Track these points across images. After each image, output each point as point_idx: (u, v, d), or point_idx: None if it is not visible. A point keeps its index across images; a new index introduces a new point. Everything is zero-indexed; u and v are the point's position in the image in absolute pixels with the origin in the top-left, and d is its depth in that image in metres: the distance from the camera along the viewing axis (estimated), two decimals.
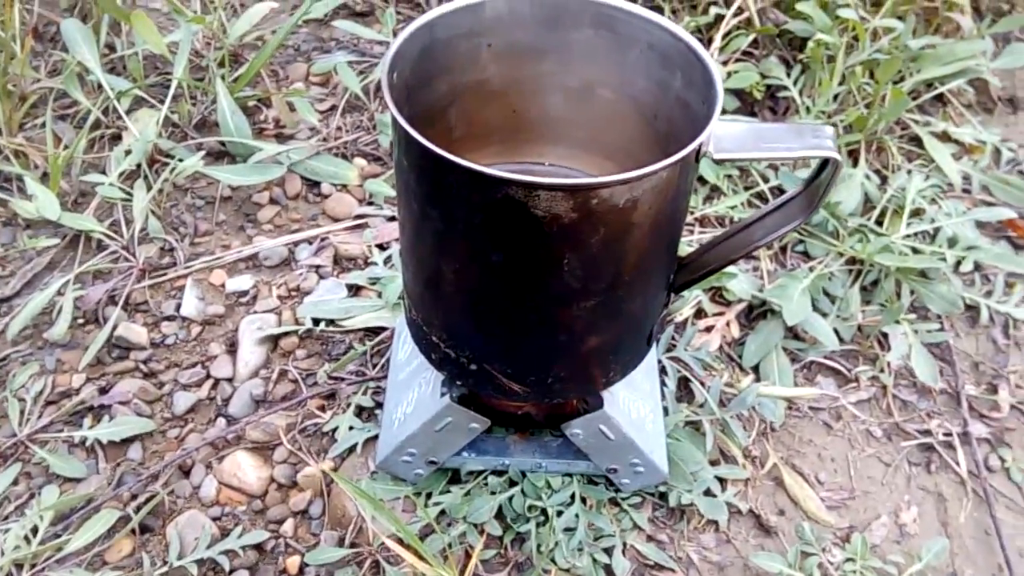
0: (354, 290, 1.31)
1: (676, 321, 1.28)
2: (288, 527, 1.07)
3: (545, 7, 0.88)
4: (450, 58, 0.88)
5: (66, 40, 1.53)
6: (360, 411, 1.17)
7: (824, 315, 1.30)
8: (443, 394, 0.97)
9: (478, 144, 0.98)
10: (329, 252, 1.37)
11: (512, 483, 1.08)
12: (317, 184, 1.48)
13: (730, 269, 1.29)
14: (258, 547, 1.06)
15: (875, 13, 1.64)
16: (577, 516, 1.05)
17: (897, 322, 1.30)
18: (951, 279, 1.36)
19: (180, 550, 1.04)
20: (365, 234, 1.39)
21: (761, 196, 1.48)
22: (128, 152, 1.42)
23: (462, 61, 0.90)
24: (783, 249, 1.43)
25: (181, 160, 1.42)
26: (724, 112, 1.32)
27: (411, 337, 0.96)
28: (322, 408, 1.18)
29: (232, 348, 1.25)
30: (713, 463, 1.14)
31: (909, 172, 1.53)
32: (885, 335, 1.31)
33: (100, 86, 1.50)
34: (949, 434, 1.22)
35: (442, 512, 1.06)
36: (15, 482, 1.10)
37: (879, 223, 1.44)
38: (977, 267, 1.42)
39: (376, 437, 1.11)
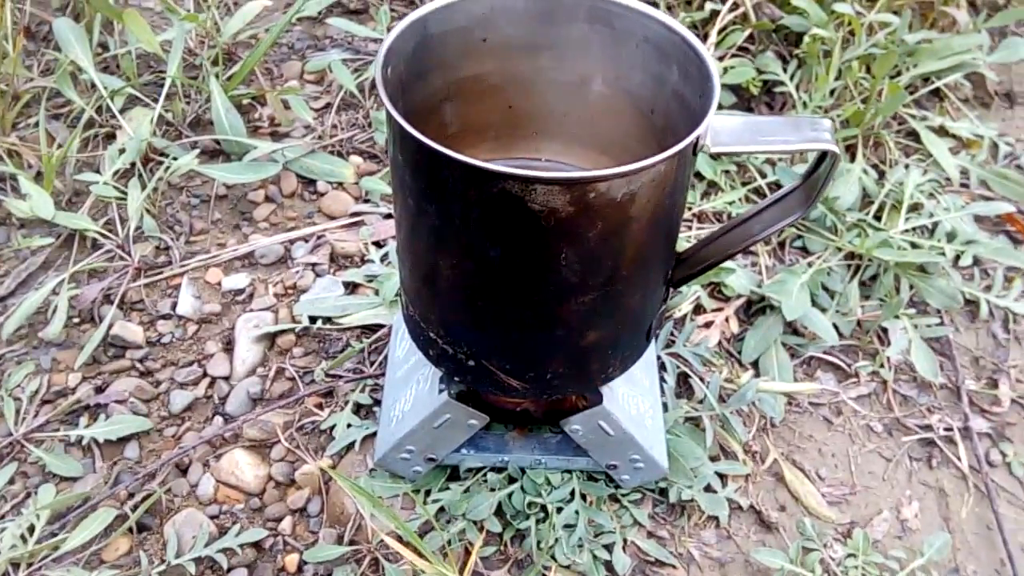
0: (351, 288, 1.31)
1: (675, 317, 1.28)
2: (286, 525, 1.07)
3: (540, 1, 0.87)
4: (444, 53, 0.88)
5: (59, 39, 1.52)
6: (358, 408, 1.16)
7: (823, 310, 1.30)
8: (441, 391, 0.97)
9: (473, 140, 0.97)
10: (325, 250, 1.36)
11: (511, 480, 1.07)
12: (313, 182, 1.47)
13: (728, 264, 1.29)
14: (256, 545, 1.05)
15: (871, 8, 1.64)
16: (577, 512, 1.05)
17: (896, 317, 1.30)
18: (950, 273, 1.36)
19: (178, 548, 1.03)
20: (361, 232, 1.38)
21: (759, 192, 1.48)
22: (122, 151, 1.41)
23: (457, 56, 0.90)
24: (781, 244, 1.42)
25: (175, 159, 1.41)
26: (720, 108, 1.31)
27: (408, 334, 0.95)
28: (320, 406, 1.17)
29: (229, 346, 1.24)
30: (713, 459, 1.13)
31: (907, 167, 1.53)
32: (885, 330, 1.31)
33: (93, 85, 1.49)
34: (950, 429, 1.22)
35: (441, 509, 1.05)
36: (11, 481, 1.09)
37: (877, 218, 1.44)
38: (976, 261, 1.42)
39: (374, 434, 1.11)
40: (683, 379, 1.22)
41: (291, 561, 1.04)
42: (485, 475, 1.08)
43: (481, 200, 0.71)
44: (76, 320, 1.26)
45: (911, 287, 1.34)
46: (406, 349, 1.10)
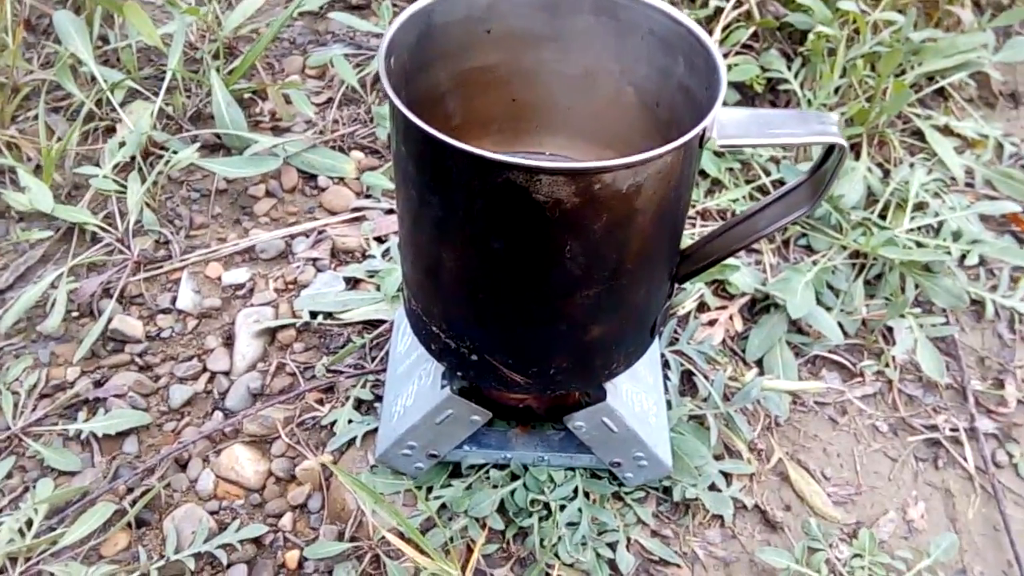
0: (352, 283, 1.30)
1: (678, 315, 1.27)
2: (287, 521, 1.06)
3: None
4: (448, 44, 0.87)
5: (59, 32, 1.51)
6: (359, 404, 1.15)
7: (828, 309, 1.29)
8: (443, 386, 0.96)
9: (477, 133, 0.96)
10: (326, 245, 1.35)
11: (514, 477, 1.06)
12: (314, 177, 1.46)
13: (733, 262, 1.28)
14: (256, 541, 1.04)
15: (875, 6, 1.63)
16: (580, 510, 1.04)
17: (902, 316, 1.29)
18: (956, 273, 1.35)
19: (177, 544, 1.02)
20: (363, 227, 1.37)
21: (762, 189, 1.47)
22: (122, 144, 1.40)
23: (460, 47, 0.89)
24: (786, 243, 1.41)
25: (176, 152, 1.40)
26: (725, 104, 1.30)
27: (411, 328, 0.94)
28: (320, 401, 1.16)
29: (229, 341, 1.23)
30: (717, 457, 1.12)
31: (911, 165, 1.52)
32: (890, 329, 1.30)
33: (93, 78, 1.48)
34: (956, 429, 1.21)
35: (443, 506, 1.04)
36: (9, 475, 1.08)
37: (882, 216, 1.43)
38: (982, 261, 1.41)
39: (375, 430, 1.10)
40: (687, 377, 1.21)
41: (291, 558, 1.03)
42: (487, 472, 1.07)
43: (485, 191, 0.70)
44: (75, 314, 1.25)
45: (916, 286, 1.33)
46: (408, 344, 1.09)
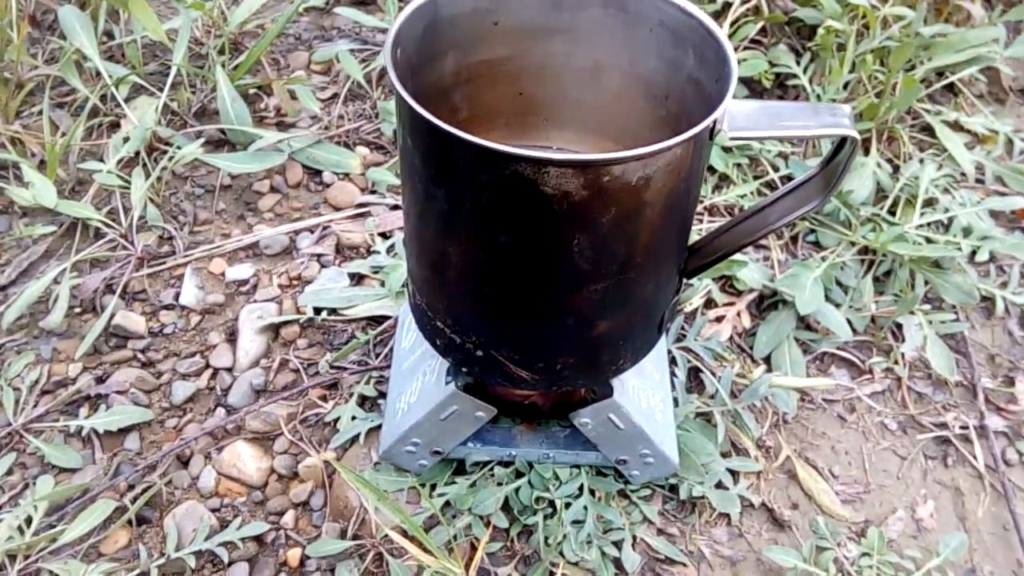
0: (356, 279, 1.29)
1: (685, 311, 1.26)
2: (289, 519, 1.05)
3: None
4: (455, 37, 0.86)
5: (64, 27, 1.50)
6: (363, 401, 1.14)
7: (837, 305, 1.28)
8: (448, 382, 0.95)
9: (483, 127, 0.95)
10: (331, 241, 1.34)
11: (519, 474, 1.05)
12: (319, 173, 1.45)
13: (740, 257, 1.27)
14: (258, 539, 1.03)
15: (885, 1, 1.61)
16: (586, 508, 1.03)
17: (911, 313, 1.28)
18: (966, 269, 1.34)
19: (178, 541, 1.01)
20: (368, 223, 1.36)
21: (771, 185, 1.46)
22: (126, 139, 1.40)
23: (467, 39, 0.88)
24: (794, 239, 1.40)
25: (180, 148, 1.39)
26: (734, 98, 1.29)
27: (415, 323, 0.93)
28: (324, 398, 1.15)
29: (232, 337, 1.22)
30: (724, 455, 1.11)
31: (921, 161, 1.51)
32: (899, 326, 1.29)
33: (98, 73, 1.47)
34: (966, 427, 1.20)
35: (447, 503, 1.03)
36: (9, 472, 1.07)
37: (892, 212, 1.42)
38: (992, 257, 1.40)
39: (379, 427, 1.09)
40: (694, 373, 1.19)
41: (293, 555, 1.02)
42: (492, 469, 1.06)
43: (492, 183, 0.69)
44: (77, 310, 1.25)
45: (926, 283, 1.32)
46: (412, 340, 1.08)
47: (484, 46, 0.89)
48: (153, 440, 1.12)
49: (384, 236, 1.35)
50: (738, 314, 1.27)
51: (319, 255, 1.32)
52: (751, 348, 1.24)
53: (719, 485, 1.08)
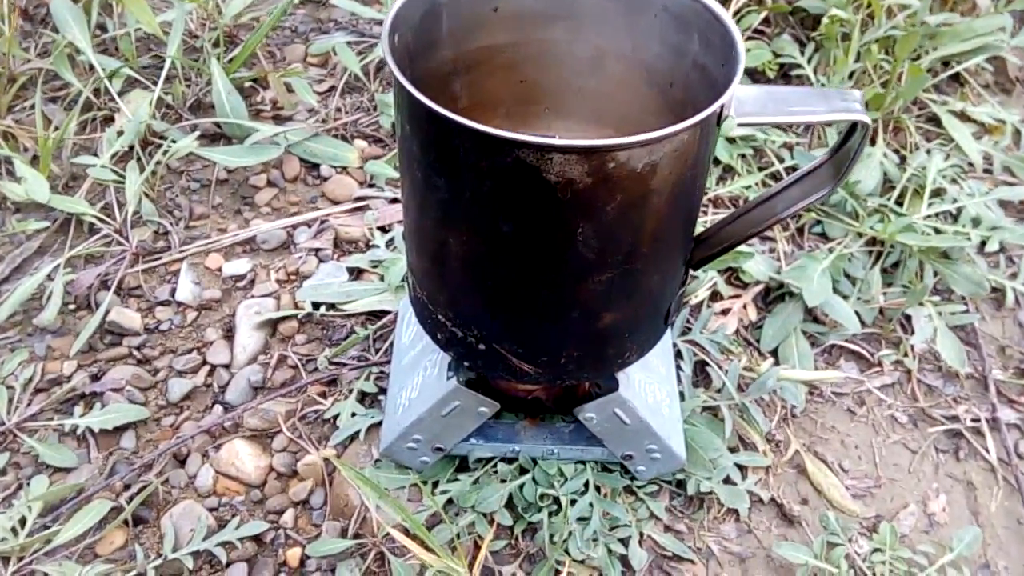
0: (355, 273, 1.26)
1: (691, 304, 1.24)
2: (288, 518, 1.03)
3: None
4: (454, 23, 0.85)
5: (56, 20, 1.48)
6: (363, 397, 1.12)
7: (844, 297, 1.26)
8: (449, 377, 0.93)
9: (484, 116, 0.93)
10: (329, 235, 1.32)
11: (523, 471, 1.03)
12: (316, 166, 1.43)
13: (746, 249, 1.25)
14: (257, 539, 1.01)
15: None
16: (591, 505, 1.01)
17: (921, 304, 1.26)
18: (975, 260, 1.31)
19: (175, 542, 0.99)
20: (366, 216, 1.34)
21: (775, 176, 1.43)
22: (120, 133, 1.37)
23: (467, 26, 0.86)
24: (800, 230, 1.38)
25: (175, 142, 1.37)
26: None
27: (416, 317, 0.91)
28: (323, 394, 1.13)
29: (229, 333, 1.20)
30: (732, 450, 1.09)
31: (928, 151, 1.48)
32: (908, 318, 1.26)
33: (92, 67, 1.45)
34: (977, 420, 1.18)
35: (449, 501, 1.01)
36: (3, 472, 1.05)
37: (899, 203, 1.40)
38: (1002, 248, 1.37)
39: (380, 424, 1.07)
40: (700, 367, 1.17)
41: (293, 555, 1.00)
42: (495, 466, 1.04)
43: (493, 171, 0.67)
44: (72, 306, 1.23)
45: (935, 274, 1.30)
46: (413, 335, 1.06)
47: (484, 33, 0.87)
48: (149, 439, 1.10)
49: (383, 230, 1.33)
50: (744, 307, 1.25)
51: (317, 249, 1.30)
52: (758, 341, 1.22)
53: (727, 480, 1.06)
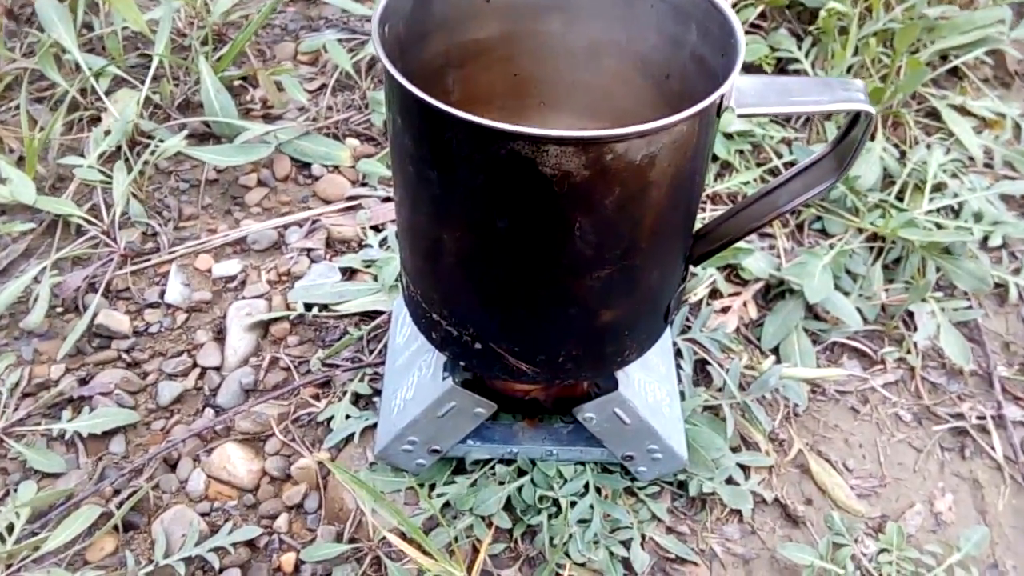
0: (348, 273, 1.24)
1: (690, 302, 1.22)
2: (282, 522, 1.01)
3: None
4: (446, 14, 0.83)
5: (41, 19, 1.45)
6: (357, 399, 1.10)
7: (846, 294, 1.24)
8: (445, 377, 0.91)
9: (477, 109, 0.90)
10: (321, 235, 1.30)
11: (521, 472, 1.02)
12: (307, 165, 1.41)
13: (746, 246, 1.23)
14: (250, 544, 0.99)
15: None
16: (592, 507, 0.99)
17: (923, 300, 1.24)
18: (978, 255, 1.30)
19: (167, 548, 0.97)
20: (359, 215, 1.32)
21: (774, 172, 1.42)
22: (107, 133, 1.35)
23: (459, 17, 0.84)
24: (799, 226, 1.36)
25: (163, 141, 1.35)
26: None
27: (410, 316, 0.89)
28: (316, 397, 1.11)
29: (220, 335, 1.18)
30: (734, 450, 1.07)
31: (929, 146, 1.47)
32: (911, 314, 1.25)
33: (78, 66, 1.43)
34: (983, 417, 1.16)
35: (447, 504, 0.99)
36: None
37: (900, 198, 1.38)
38: (1004, 243, 1.36)
39: (374, 426, 1.05)
40: (700, 366, 1.15)
41: (287, 560, 0.98)
42: (493, 467, 1.02)
43: (487, 164, 0.66)
44: (59, 309, 1.20)
45: (937, 269, 1.28)
46: (407, 335, 1.04)
47: (476, 24, 0.85)
48: (139, 443, 1.08)
49: (376, 229, 1.30)
50: (744, 304, 1.23)
51: (309, 250, 1.28)
52: (758, 339, 1.20)
53: (730, 481, 1.04)
